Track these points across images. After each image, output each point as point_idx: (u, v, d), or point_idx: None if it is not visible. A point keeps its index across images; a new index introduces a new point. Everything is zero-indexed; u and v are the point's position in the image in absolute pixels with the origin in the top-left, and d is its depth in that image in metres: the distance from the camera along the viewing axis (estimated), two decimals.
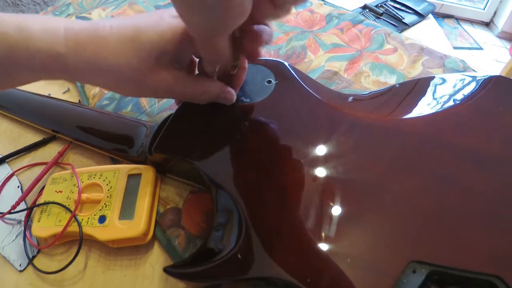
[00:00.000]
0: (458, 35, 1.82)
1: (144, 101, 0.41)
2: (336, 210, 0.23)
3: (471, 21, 1.92)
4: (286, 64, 0.34)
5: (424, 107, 0.29)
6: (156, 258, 0.29)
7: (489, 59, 1.67)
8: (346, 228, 0.22)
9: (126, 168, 0.32)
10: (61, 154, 0.37)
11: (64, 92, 0.47)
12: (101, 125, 0.37)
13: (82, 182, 0.31)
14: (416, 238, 0.22)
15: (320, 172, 0.25)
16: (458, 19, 1.93)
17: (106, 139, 0.36)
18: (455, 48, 1.69)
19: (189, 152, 0.28)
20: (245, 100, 0.31)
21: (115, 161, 0.36)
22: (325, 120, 0.29)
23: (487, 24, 1.89)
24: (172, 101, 0.41)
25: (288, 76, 0.32)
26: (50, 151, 0.39)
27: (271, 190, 0.25)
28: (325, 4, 0.57)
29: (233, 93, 0.29)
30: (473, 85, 0.30)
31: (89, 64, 0.24)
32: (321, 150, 0.27)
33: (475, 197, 0.23)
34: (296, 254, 0.22)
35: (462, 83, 0.31)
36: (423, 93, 0.31)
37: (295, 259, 0.22)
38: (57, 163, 0.37)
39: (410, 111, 0.29)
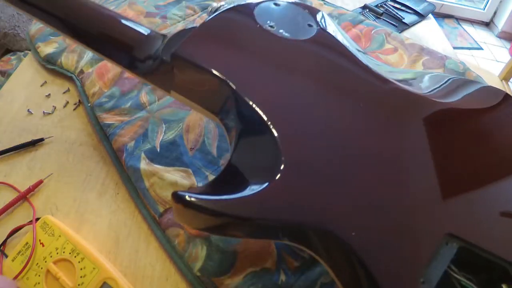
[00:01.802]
0: (458, 35, 1.82)
1: (144, 98, 0.41)
2: (382, 172, 0.22)
3: (471, 21, 1.92)
4: (326, 15, 0.32)
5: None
6: (156, 258, 0.29)
7: (489, 59, 1.68)
8: (390, 189, 0.21)
9: (106, 273, 0.27)
10: (31, 190, 0.35)
11: (64, 92, 0.47)
12: (108, 23, 0.32)
13: (57, 253, 0.28)
14: (456, 212, 0.21)
15: (365, 129, 0.24)
16: (458, 19, 1.93)
17: (111, 41, 0.32)
18: (455, 48, 1.69)
19: (215, 63, 0.25)
20: (285, 34, 0.29)
21: (114, 157, 0.36)
22: (361, 81, 0.27)
23: (487, 24, 1.89)
24: (172, 99, 0.41)
25: (330, 27, 0.31)
26: (46, 154, 0.39)
27: (313, 126, 0.23)
28: (325, 4, 0.57)
29: None
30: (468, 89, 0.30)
31: None
32: (350, 110, 0.25)
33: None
34: (341, 204, 0.20)
35: (457, 84, 0.31)
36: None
37: (340, 209, 0.20)
38: (25, 197, 0.34)
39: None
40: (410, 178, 0.23)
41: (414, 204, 0.22)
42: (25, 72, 0.52)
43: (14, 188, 0.35)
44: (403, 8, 0.59)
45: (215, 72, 0.25)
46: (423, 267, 0.19)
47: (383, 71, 0.29)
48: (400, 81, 0.29)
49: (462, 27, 1.89)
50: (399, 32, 0.53)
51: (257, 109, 0.23)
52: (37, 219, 0.31)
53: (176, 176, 0.33)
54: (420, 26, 0.56)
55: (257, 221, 0.19)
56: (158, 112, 0.39)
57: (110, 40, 0.31)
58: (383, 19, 0.57)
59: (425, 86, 0.30)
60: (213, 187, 0.20)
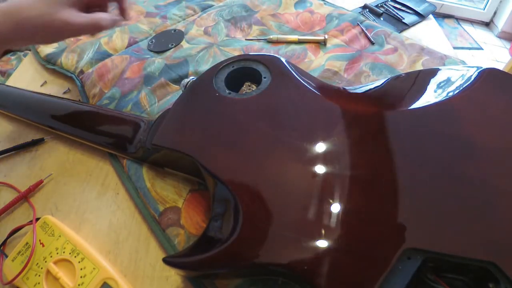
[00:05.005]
0: (458, 35, 1.81)
1: (144, 101, 0.41)
2: (332, 200, 0.24)
3: (471, 21, 1.92)
4: (282, 59, 0.34)
5: (420, 99, 0.29)
6: (156, 258, 0.29)
7: (489, 59, 1.67)
8: (341, 217, 0.23)
9: (106, 273, 0.27)
10: (31, 190, 0.35)
11: (64, 92, 0.47)
12: (99, 122, 0.37)
13: (57, 253, 0.29)
14: (411, 226, 0.22)
15: (315, 164, 0.26)
16: (458, 19, 1.93)
17: (104, 136, 0.36)
18: (455, 48, 1.69)
19: (187, 145, 0.28)
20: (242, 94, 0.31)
21: (114, 157, 0.36)
22: (322, 113, 0.29)
23: (487, 24, 1.89)
24: (172, 99, 0.41)
25: (284, 71, 0.33)
26: (46, 154, 0.39)
27: (268, 182, 0.25)
28: (325, 4, 0.57)
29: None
30: (467, 78, 0.30)
31: (8, 19, 0.29)
32: (317, 143, 0.27)
33: (470, 186, 0.23)
34: (293, 242, 0.22)
35: (457, 76, 0.31)
36: (421, 86, 0.31)
37: (292, 247, 0.22)
38: (25, 197, 0.34)
39: (407, 104, 0.29)
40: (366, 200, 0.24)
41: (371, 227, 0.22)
42: (25, 72, 0.52)
43: (14, 188, 0.35)
44: (403, 8, 0.59)
45: (186, 153, 0.28)
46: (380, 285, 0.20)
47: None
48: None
49: (462, 27, 1.88)
50: (399, 32, 0.52)
51: (218, 175, 0.26)
52: (37, 219, 0.31)
53: (176, 175, 0.33)
54: (420, 26, 0.56)
55: (223, 269, 0.23)
56: (158, 114, 0.39)
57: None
58: (383, 19, 0.57)
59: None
60: (192, 249, 0.25)
